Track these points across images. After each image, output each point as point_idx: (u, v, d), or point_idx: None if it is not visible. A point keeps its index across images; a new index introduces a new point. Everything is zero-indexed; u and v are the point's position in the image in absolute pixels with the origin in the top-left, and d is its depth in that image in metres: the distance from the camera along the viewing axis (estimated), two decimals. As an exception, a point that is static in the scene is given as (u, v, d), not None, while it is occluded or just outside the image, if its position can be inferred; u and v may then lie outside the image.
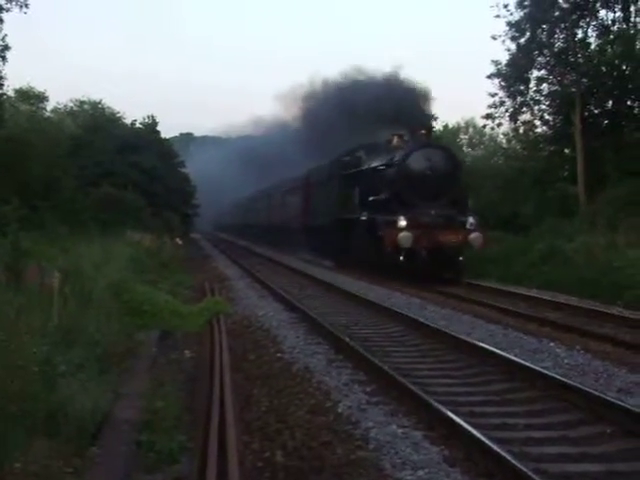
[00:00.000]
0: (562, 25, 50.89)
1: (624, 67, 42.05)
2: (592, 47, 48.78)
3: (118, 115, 47.28)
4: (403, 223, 27.86)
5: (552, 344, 14.89)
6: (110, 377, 10.33)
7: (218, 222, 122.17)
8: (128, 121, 47.98)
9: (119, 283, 17.04)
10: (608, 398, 10.10)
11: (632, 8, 47.53)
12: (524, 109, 46.69)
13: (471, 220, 28.95)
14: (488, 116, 46.03)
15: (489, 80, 57.56)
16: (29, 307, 10.93)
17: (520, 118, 46.27)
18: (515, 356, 13.25)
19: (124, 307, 15.74)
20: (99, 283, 15.56)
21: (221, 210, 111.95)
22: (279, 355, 14.04)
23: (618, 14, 48.85)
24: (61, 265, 13.90)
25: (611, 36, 46.95)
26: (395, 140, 32.68)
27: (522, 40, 53.56)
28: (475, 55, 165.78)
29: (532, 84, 47.47)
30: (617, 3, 47.95)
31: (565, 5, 50.38)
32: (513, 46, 55.16)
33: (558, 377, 11.43)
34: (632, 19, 47.77)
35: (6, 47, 34.85)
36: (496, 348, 13.84)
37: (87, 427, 7.91)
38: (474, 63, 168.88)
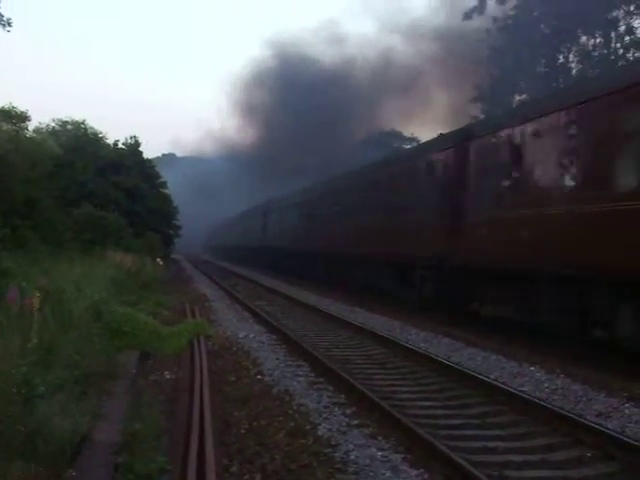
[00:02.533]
0: (544, 50, 51.49)
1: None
2: (573, 72, 49.29)
3: (101, 135, 47.12)
4: None
5: (532, 368, 14.93)
6: (89, 399, 10.26)
7: (212, 243, 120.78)
8: (111, 141, 47.93)
9: (99, 304, 16.96)
10: (588, 422, 10.14)
11: (613, 34, 48.04)
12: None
13: None
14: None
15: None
16: (8, 327, 10.86)
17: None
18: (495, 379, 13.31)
19: (104, 328, 15.66)
20: (79, 304, 15.49)
21: (216, 228, 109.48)
22: (259, 377, 14.01)
23: (599, 40, 49.40)
24: (41, 285, 13.81)
25: (592, 61, 47.44)
26: None
27: (504, 65, 54.20)
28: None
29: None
30: (598, 29, 48.47)
31: (547, 31, 50.94)
32: (495, 70, 55.86)
33: (538, 401, 11.47)
34: (613, 45, 48.28)
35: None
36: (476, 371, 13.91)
37: (65, 449, 7.85)
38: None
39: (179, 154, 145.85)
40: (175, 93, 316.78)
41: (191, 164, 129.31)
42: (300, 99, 79.88)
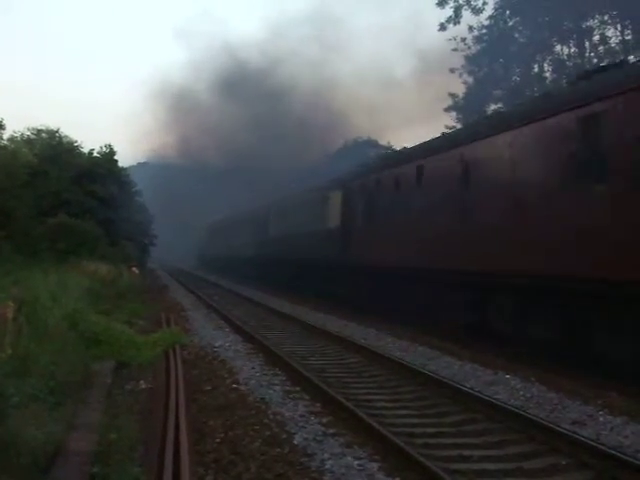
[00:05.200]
0: (519, 59, 51.81)
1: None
2: (548, 81, 49.59)
3: (76, 144, 46.84)
4: None
5: (508, 376, 14.98)
6: (64, 408, 10.21)
7: (210, 252, 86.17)
8: (86, 150, 47.67)
9: (74, 313, 16.88)
10: (563, 430, 10.18)
11: (587, 44, 48.37)
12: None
13: None
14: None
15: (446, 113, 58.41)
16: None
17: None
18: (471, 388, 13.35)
19: (79, 337, 15.59)
20: (54, 313, 15.41)
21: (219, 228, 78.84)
22: (235, 386, 13.98)
23: (573, 49, 49.75)
24: (16, 295, 13.74)
25: (567, 70, 47.70)
26: None
27: (479, 74, 54.53)
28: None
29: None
30: (572, 38, 48.81)
31: (521, 40, 51.26)
32: (470, 79, 56.20)
33: (514, 409, 11.51)
34: (587, 54, 48.62)
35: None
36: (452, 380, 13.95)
37: (39, 460, 7.81)
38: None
39: (152, 162, 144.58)
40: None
41: (164, 171, 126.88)
42: (271, 108, 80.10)
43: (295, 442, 9.97)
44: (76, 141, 46.73)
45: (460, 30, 56.21)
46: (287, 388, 13.81)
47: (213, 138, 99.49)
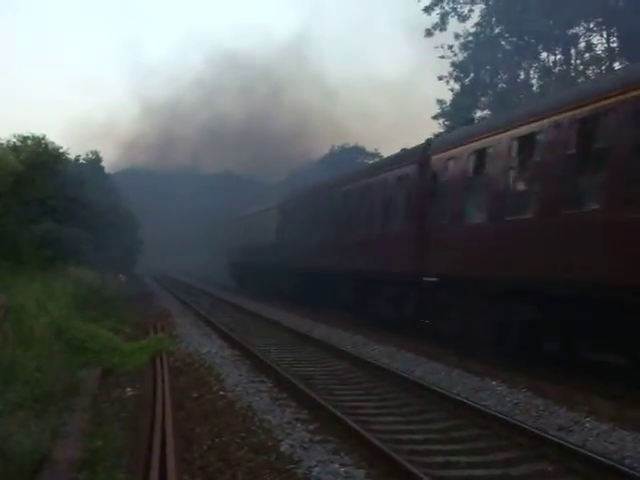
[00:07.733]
0: (505, 66, 51.91)
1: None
2: (534, 88, 49.70)
3: (62, 151, 46.72)
4: None
5: (494, 382, 14.99)
6: (50, 416, 10.17)
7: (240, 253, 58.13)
8: (72, 157, 47.55)
9: (61, 320, 16.83)
10: (549, 436, 10.19)
11: (572, 51, 48.51)
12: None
13: None
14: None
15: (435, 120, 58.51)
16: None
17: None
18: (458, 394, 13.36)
19: (66, 345, 15.55)
20: (40, 320, 15.36)
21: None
22: (222, 393, 13.94)
23: (559, 56, 49.86)
24: (1, 302, 13.69)
25: (552, 77, 47.78)
26: None
27: (466, 81, 54.66)
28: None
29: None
30: (558, 45, 48.93)
31: (508, 47, 51.38)
32: (457, 86, 56.27)
33: (500, 415, 11.52)
34: (573, 61, 48.74)
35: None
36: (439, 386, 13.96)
37: (25, 467, 7.77)
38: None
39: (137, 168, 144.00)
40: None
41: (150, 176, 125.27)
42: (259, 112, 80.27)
43: (282, 449, 9.94)
44: (61, 147, 46.66)
45: (446, 37, 56.30)
46: (274, 395, 13.76)
47: (199, 144, 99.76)
